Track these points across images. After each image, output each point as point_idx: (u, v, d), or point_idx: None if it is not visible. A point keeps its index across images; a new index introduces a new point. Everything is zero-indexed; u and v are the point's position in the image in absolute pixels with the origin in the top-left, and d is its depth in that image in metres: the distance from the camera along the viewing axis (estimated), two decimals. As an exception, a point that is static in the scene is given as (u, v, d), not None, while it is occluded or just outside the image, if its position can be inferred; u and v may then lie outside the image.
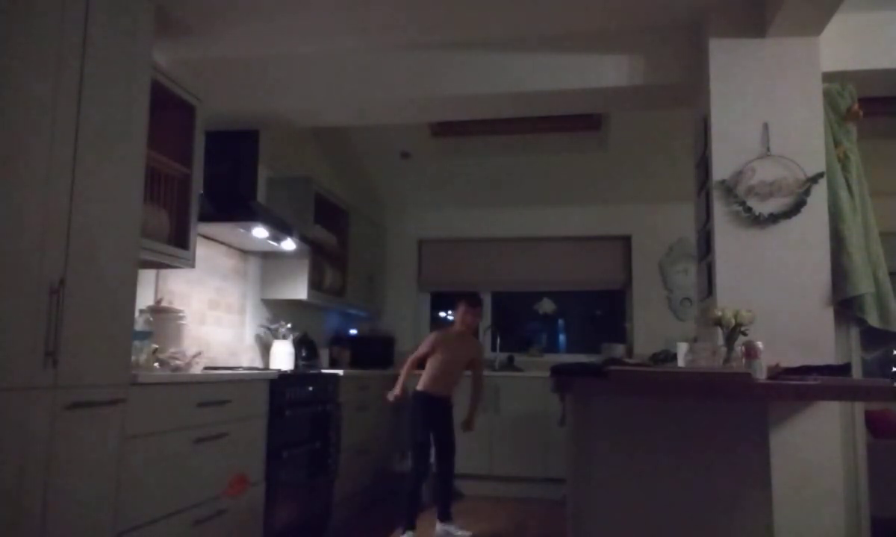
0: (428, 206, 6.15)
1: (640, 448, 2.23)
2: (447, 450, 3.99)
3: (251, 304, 4.41)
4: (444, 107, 3.73)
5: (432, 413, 3.95)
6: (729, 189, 2.97)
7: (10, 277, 1.87)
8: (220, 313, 4.03)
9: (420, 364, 4.09)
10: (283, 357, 4.35)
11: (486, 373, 4.51)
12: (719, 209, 2.99)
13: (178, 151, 3.13)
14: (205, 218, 3.43)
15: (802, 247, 2.90)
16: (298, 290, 4.50)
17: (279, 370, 3.75)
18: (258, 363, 4.44)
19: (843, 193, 2.94)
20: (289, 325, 4.48)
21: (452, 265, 6.19)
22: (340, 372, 4.25)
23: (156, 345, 2.87)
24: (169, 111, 3.07)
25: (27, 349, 1.91)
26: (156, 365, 2.78)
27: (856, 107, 3.02)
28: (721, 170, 3.00)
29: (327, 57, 3.63)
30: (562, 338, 6.30)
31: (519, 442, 5.15)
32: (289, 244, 4.10)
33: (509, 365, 5.76)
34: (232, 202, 3.72)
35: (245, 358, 4.31)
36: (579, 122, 4.91)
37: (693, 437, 2.21)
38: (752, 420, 2.20)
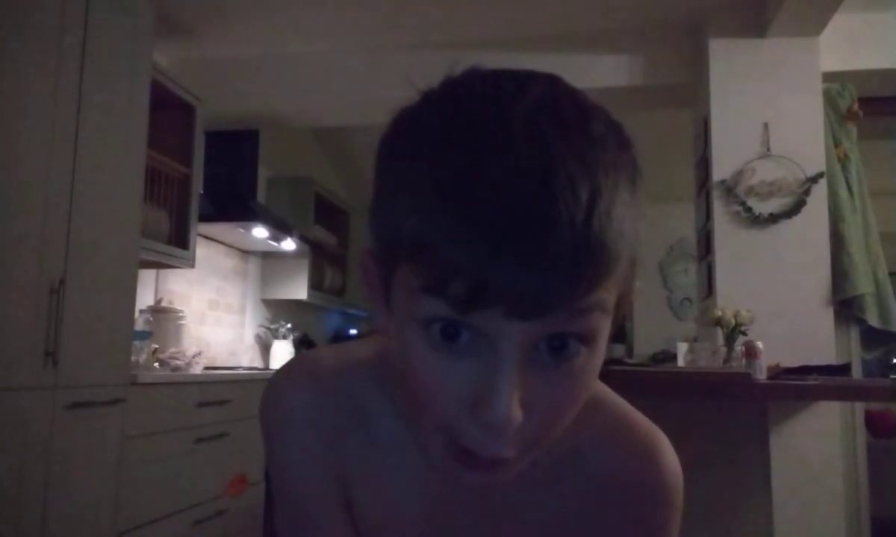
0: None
1: (640, 448, 2.22)
2: None
3: (251, 304, 4.41)
4: (444, 107, 3.73)
5: None
6: (729, 189, 2.97)
7: (10, 277, 1.87)
8: (220, 313, 4.03)
9: None
10: (283, 357, 4.35)
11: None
12: (719, 209, 2.98)
13: (178, 151, 3.13)
14: (205, 218, 3.43)
15: (802, 247, 2.89)
16: (298, 290, 4.49)
17: (279, 370, 3.75)
18: (258, 363, 4.43)
19: (843, 193, 2.94)
20: (289, 325, 4.48)
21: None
22: (340, 372, 4.24)
23: (156, 345, 2.87)
24: (169, 111, 3.07)
25: (27, 349, 1.91)
26: (156, 365, 2.78)
27: (856, 107, 3.01)
28: (721, 170, 3.00)
29: (327, 57, 3.63)
30: (562, 338, 6.29)
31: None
32: (289, 244, 4.10)
33: (509, 365, 5.74)
34: (232, 202, 3.72)
35: (245, 358, 4.31)
36: (579, 122, 4.89)
37: (693, 438, 2.21)
38: (752, 420, 2.20)
